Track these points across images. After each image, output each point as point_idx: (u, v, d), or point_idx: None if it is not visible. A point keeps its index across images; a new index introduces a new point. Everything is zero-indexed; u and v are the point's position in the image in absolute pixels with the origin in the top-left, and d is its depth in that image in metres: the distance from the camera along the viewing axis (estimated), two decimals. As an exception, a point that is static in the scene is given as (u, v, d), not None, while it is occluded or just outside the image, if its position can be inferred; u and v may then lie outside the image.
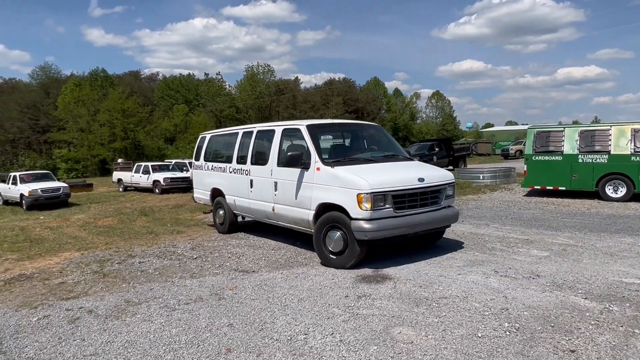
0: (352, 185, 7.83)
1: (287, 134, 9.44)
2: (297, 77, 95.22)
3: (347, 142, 9.83)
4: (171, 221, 14.24)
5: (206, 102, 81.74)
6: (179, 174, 27.44)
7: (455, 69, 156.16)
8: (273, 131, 9.76)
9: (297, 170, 8.74)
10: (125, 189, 30.61)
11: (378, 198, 7.73)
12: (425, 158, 31.43)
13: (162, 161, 38.50)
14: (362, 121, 10.98)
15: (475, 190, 18.06)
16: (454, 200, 8.85)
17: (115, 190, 30.58)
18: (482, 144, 58.37)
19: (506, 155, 48.19)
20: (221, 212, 11.55)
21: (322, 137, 9.17)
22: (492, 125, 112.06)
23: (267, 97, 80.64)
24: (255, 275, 7.79)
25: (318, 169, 8.40)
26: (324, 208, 8.29)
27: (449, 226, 8.80)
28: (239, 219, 11.76)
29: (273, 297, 6.74)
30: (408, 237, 8.12)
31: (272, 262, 8.63)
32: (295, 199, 8.81)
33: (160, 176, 27.61)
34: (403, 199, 7.98)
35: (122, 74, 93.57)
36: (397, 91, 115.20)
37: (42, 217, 16.74)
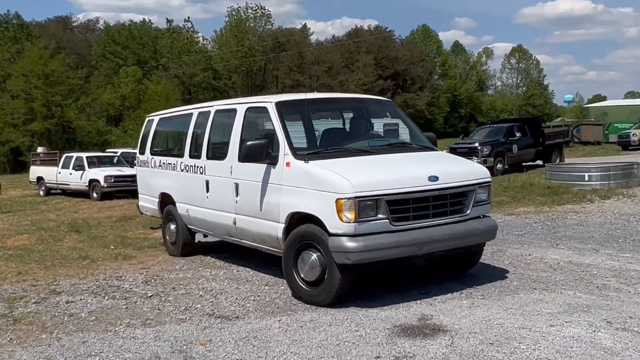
0: (329, 187, 8.07)
1: (252, 115, 9.86)
2: (305, 26, 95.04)
3: (340, 125, 10.44)
4: (115, 241, 14.66)
5: (169, 62, 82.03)
6: (127, 170, 27.59)
7: (547, 11, 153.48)
8: (234, 111, 10.17)
9: (262, 167, 9.08)
10: (49, 192, 31.37)
11: (366, 205, 7.94)
12: (501, 148, 31.11)
13: (103, 151, 38.86)
14: (363, 95, 11.45)
15: (578, 198, 18.12)
16: (489, 208, 9.23)
17: (33, 194, 31.20)
18: (589, 126, 57.48)
19: (625, 145, 47.83)
20: (172, 226, 12.10)
21: (314, 120, 9.80)
22: (605, 99, 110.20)
23: (259, 55, 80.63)
24: (240, 324, 7.89)
25: (288, 164, 8.74)
26: (298, 219, 8.60)
27: (483, 245, 9.26)
28: (202, 237, 12.47)
29: (266, 357, 6.70)
30: (417, 260, 8.36)
31: (264, 304, 8.74)
32: (260, 207, 9.16)
33: (99, 173, 28.05)
34: (406, 206, 8.20)
35: (44, 22, 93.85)
36: (457, 46, 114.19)
37: None
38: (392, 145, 9.61)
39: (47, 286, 9.93)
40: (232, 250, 12.24)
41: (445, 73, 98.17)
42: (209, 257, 12.21)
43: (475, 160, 23.66)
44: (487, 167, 12.23)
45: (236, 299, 9.00)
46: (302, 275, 8.56)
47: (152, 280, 10.20)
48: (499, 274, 9.83)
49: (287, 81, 75.90)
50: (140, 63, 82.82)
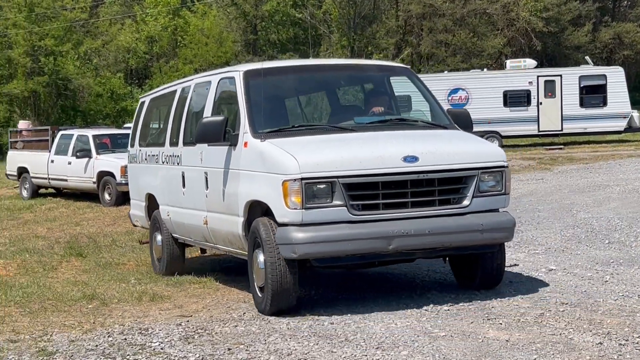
0: (276, 169, 7.93)
1: (225, 87, 9.61)
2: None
3: (327, 98, 10.20)
4: (138, 271, 12.73)
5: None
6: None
7: None
8: (209, 83, 10.01)
9: (224, 150, 8.96)
10: (36, 191, 25.25)
11: (318, 189, 7.75)
12: None
13: (120, 127, 33.58)
14: (365, 61, 11.27)
15: None
16: (506, 201, 8.51)
17: (12, 195, 25.98)
18: None
19: None
20: (158, 237, 11.67)
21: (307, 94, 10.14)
22: None
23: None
24: None
25: (245, 144, 8.53)
26: (261, 211, 8.44)
27: (495, 247, 8.49)
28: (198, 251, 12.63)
29: None
30: (387, 259, 8.24)
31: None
32: (223, 199, 9.06)
33: (114, 162, 21.62)
34: (372, 192, 7.90)
35: None
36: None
37: None
38: (385, 121, 9.15)
39: (34, 343, 8.30)
40: (328, 285, 10.39)
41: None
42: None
43: None
44: None
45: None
46: (254, 279, 8.46)
47: (196, 336, 8.27)
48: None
49: (415, 7, 56.46)
50: None
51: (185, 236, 10.92)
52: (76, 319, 9.39)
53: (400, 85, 10.31)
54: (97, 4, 55.94)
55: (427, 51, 57.85)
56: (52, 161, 23.68)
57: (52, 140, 24.44)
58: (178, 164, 10.52)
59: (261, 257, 8.18)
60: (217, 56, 53.91)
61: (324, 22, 60.12)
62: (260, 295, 8.39)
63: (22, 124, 33.71)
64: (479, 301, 8.56)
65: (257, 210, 8.42)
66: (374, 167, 7.78)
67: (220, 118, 8.78)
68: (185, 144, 10.31)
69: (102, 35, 51.92)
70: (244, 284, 10.64)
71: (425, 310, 8.52)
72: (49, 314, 9.77)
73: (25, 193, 25.07)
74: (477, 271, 8.81)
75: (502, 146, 35.38)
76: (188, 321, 9.05)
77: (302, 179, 7.60)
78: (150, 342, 8.11)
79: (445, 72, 44.87)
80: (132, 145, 12.88)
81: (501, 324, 7.70)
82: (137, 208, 12.73)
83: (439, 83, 36.14)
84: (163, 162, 11.18)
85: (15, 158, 26.31)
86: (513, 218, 8.58)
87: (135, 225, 13.58)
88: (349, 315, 8.69)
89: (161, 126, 12.00)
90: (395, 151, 7.95)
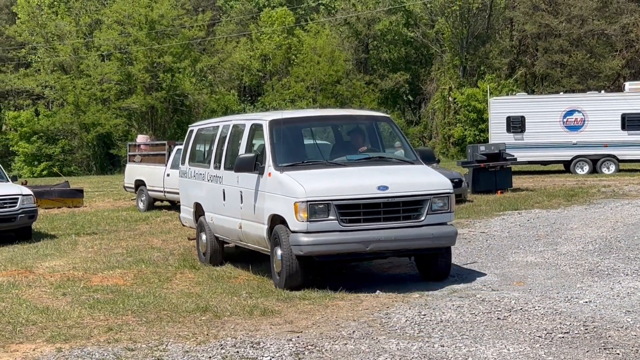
0: (290, 193, 10.90)
1: (255, 130, 12.61)
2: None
3: (331, 140, 13.21)
4: (250, 285, 12.81)
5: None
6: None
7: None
8: (243, 126, 13.04)
9: (254, 177, 11.91)
10: (153, 204, 25.23)
11: (318, 208, 10.69)
12: None
13: None
14: (360, 111, 15.17)
15: None
16: (451, 217, 11.47)
17: (129, 207, 26.17)
18: None
19: None
20: (204, 237, 14.37)
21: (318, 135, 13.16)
22: None
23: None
24: None
25: (269, 174, 11.52)
26: (279, 221, 11.31)
27: (440, 250, 11.46)
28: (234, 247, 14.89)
29: None
30: (366, 257, 11.68)
31: None
32: (254, 211, 12.02)
33: None
34: (355, 211, 10.86)
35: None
36: None
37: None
38: (369, 159, 12.11)
39: (150, 352, 8.51)
40: (445, 307, 10.07)
41: None
42: (398, 310, 9.90)
43: None
44: None
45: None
46: (275, 267, 11.39)
47: (306, 352, 8.31)
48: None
49: (530, 27, 55.64)
50: (291, 2, 60.60)
51: (224, 236, 13.73)
52: (190, 330, 9.47)
53: (385, 129, 13.64)
54: (214, 22, 56.14)
55: (541, 71, 55.87)
56: (168, 175, 23.56)
57: (169, 155, 24.38)
58: (220, 182, 13.40)
59: (279, 253, 11.13)
60: (328, 74, 53.63)
61: (436, 42, 59.07)
62: (277, 278, 11.37)
63: (141, 138, 33.63)
64: (595, 330, 8.25)
65: (276, 220, 11.30)
66: (357, 194, 10.80)
67: (252, 155, 11.86)
68: (226, 168, 13.14)
69: (218, 53, 51.91)
70: (352, 302, 10.63)
71: (539, 337, 8.23)
72: (165, 324, 9.86)
73: (141, 205, 25.17)
74: (432, 266, 11.76)
75: (619, 170, 34.09)
76: (298, 337, 8.97)
77: (307, 201, 10.61)
78: (262, 356, 8.15)
79: (561, 93, 43.52)
80: (183, 163, 15.62)
81: (618, 354, 7.40)
82: (186, 212, 15.45)
83: (554, 104, 34.95)
84: (209, 180, 13.99)
85: (133, 171, 26.35)
86: (455, 229, 11.68)
87: (184, 225, 16.20)
88: (459, 339, 8.47)
89: (205, 152, 14.92)
90: (372, 182, 10.93)
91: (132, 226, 20.96)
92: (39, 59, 52.64)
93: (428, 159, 12.63)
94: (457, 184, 22.67)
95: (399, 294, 11.32)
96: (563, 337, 8.04)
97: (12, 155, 50.65)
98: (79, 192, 27.41)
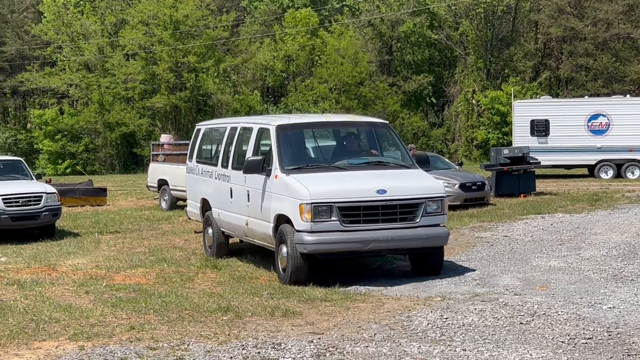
0: (295, 195, 11.56)
1: (262, 133, 13.23)
2: None
3: (332, 145, 13.82)
4: (271, 285, 12.81)
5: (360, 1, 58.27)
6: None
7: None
8: (251, 130, 13.62)
9: (262, 178, 12.52)
10: (175, 203, 24.68)
11: (321, 210, 11.38)
12: None
13: None
14: (361, 117, 15.67)
15: None
16: (444, 219, 12.26)
17: (152, 206, 25.88)
18: None
19: None
20: (210, 230, 15.02)
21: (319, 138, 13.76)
22: None
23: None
24: None
25: (276, 176, 12.12)
26: (284, 220, 11.93)
27: (433, 249, 12.19)
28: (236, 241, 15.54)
29: None
30: (365, 255, 12.40)
31: None
32: (261, 210, 12.65)
33: None
34: (356, 212, 11.58)
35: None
36: None
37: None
38: (369, 163, 12.75)
39: (172, 351, 8.53)
40: (467, 311, 10.01)
41: None
42: (420, 313, 9.86)
43: None
44: None
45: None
46: (279, 264, 11.99)
47: (327, 354, 8.23)
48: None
49: (555, 30, 54.39)
50: (316, 3, 59.82)
51: (230, 231, 14.39)
52: (212, 330, 9.50)
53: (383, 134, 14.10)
54: (238, 23, 55.86)
55: (566, 75, 55.19)
56: (191, 175, 23.81)
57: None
58: (227, 181, 14.04)
59: (284, 250, 11.73)
60: (351, 76, 53.35)
61: (460, 44, 58.51)
62: (283, 273, 11.96)
63: (164, 138, 33.79)
64: (619, 336, 8.19)
65: (282, 219, 11.94)
66: (357, 197, 11.50)
67: (259, 158, 12.51)
68: (233, 168, 13.81)
69: (242, 53, 51.75)
70: (373, 304, 10.59)
71: (562, 342, 8.15)
72: (186, 323, 9.90)
73: (164, 204, 25.00)
74: (425, 263, 12.48)
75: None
76: (320, 338, 8.95)
77: (311, 203, 11.27)
78: (283, 357, 8.15)
79: (586, 97, 43.06)
80: (190, 160, 16.23)
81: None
82: (193, 207, 16.14)
83: (579, 108, 34.43)
84: (216, 178, 14.60)
85: (156, 170, 26.14)
86: (448, 230, 12.43)
87: (190, 219, 17.02)
88: (481, 343, 8.39)
89: (213, 151, 15.57)
90: (371, 186, 11.62)
91: (154, 225, 20.98)
92: (64, 58, 53.15)
93: (423, 163, 13.37)
94: (479, 187, 22.49)
95: (420, 298, 11.18)
96: (586, 343, 7.97)
97: (36, 153, 51.06)
98: (103, 191, 27.35)
